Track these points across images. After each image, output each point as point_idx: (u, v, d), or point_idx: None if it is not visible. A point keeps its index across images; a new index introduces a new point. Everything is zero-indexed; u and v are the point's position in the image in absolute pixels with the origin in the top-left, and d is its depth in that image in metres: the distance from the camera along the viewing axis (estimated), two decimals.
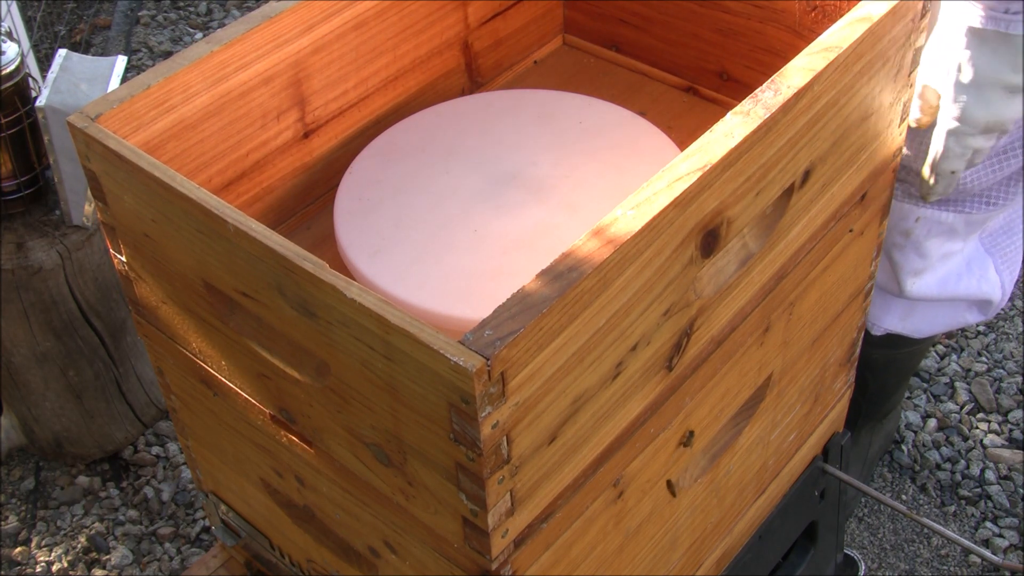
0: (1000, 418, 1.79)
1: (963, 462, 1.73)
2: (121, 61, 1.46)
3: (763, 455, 1.12)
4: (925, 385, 1.84)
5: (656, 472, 0.93)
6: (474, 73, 1.24)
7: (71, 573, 1.63)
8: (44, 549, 1.67)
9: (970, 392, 1.83)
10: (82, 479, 1.74)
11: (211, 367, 0.94)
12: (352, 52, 1.09)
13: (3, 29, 1.48)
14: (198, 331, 0.92)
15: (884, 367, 1.57)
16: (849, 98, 0.91)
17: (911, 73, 1.00)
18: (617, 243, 0.73)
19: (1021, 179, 1.30)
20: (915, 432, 1.77)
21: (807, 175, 0.92)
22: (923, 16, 0.97)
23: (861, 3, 0.91)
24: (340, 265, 1.02)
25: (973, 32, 1.08)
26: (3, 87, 1.41)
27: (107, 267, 1.57)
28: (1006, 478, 1.71)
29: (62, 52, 1.44)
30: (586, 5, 1.28)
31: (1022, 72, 1.09)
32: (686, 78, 1.25)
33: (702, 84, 1.24)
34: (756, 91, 0.84)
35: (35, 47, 2.41)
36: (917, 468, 1.73)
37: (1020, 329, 1.93)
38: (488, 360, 0.67)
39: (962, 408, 1.80)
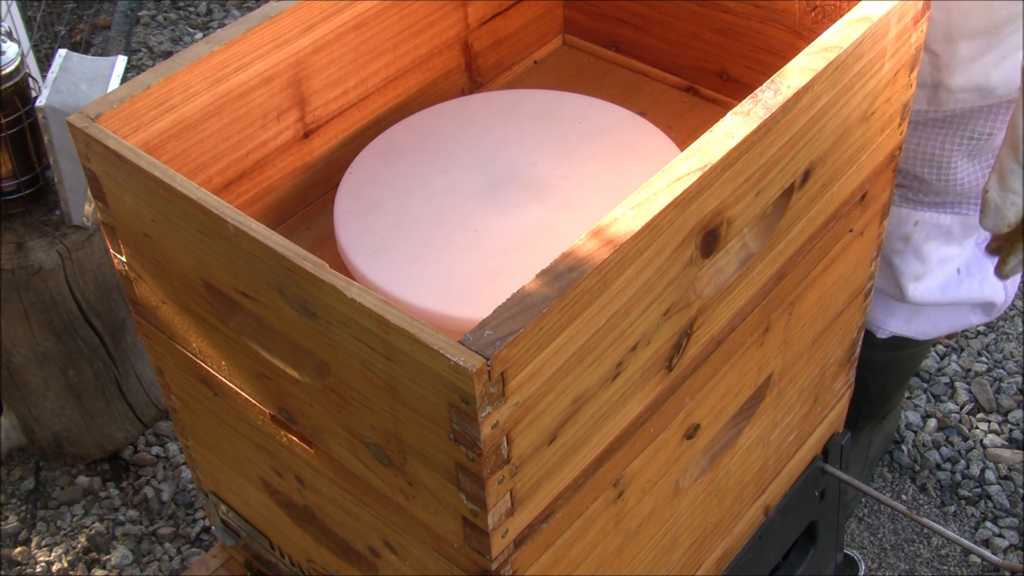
0: (1000, 418, 1.79)
1: (963, 462, 1.73)
2: (121, 61, 1.46)
3: (763, 455, 1.12)
4: (925, 385, 1.84)
5: (656, 472, 0.93)
6: (474, 73, 1.24)
7: (71, 573, 1.63)
8: (44, 549, 1.67)
9: (970, 392, 1.83)
10: (82, 479, 1.74)
11: (211, 367, 0.94)
12: (352, 52, 1.09)
13: (3, 29, 1.48)
14: (198, 331, 0.92)
15: (885, 368, 1.57)
16: (849, 98, 0.91)
17: (911, 73, 1.00)
18: (617, 243, 0.73)
19: None
20: (915, 432, 1.77)
21: (807, 175, 0.92)
22: (923, 16, 0.97)
23: (861, 3, 0.91)
24: (340, 265, 1.02)
25: None
26: (3, 87, 1.41)
27: (107, 267, 1.57)
28: (1006, 478, 1.71)
29: (62, 52, 1.44)
30: (586, 5, 1.28)
31: None
32: (686, 78, 1.25)
33: (702, 84, 1.24)
34: (756, 91, 0.84)
35: (35, 47, 2.41)
36: (917, 468, 1.73)
37: (1020, 329, 1.93)
38: (488, 360, 0.67)
39: (962, 408, 1.80)
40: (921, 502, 1.70)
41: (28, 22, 2.42)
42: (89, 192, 1.36)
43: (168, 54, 2.58)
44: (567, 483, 0.82)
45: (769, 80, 0.85)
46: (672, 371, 0.87)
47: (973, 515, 1.67)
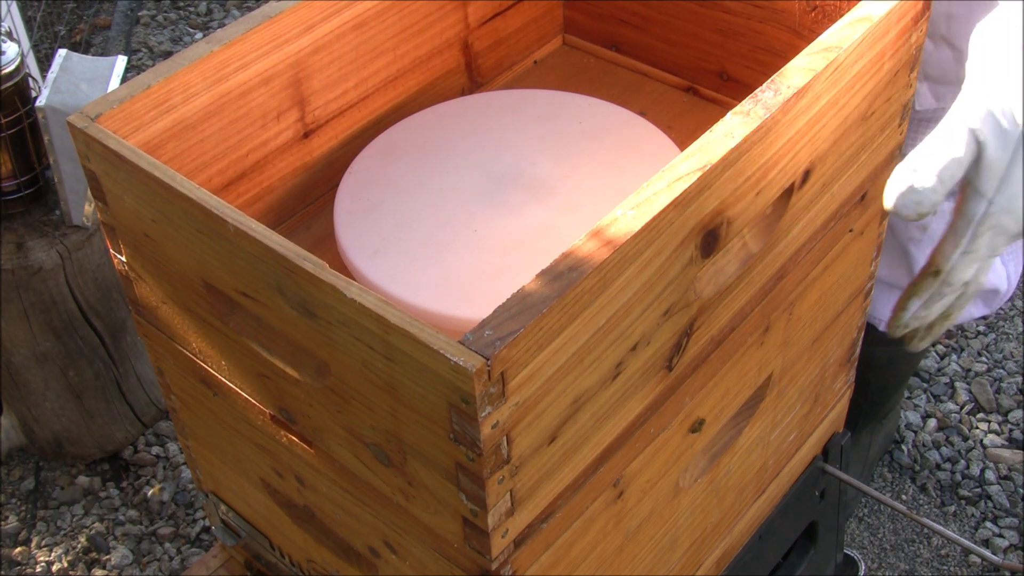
0: (1000, 418, 1.79)
1: (963, 462, 1.73)
2: (121, 61, 1.46)
3: (763, 455, 1.12)
4: (925, 385, 1.84)
5: (656, 472, 0.93)
6: (474, 73, 1.24)
7: (71, 573, 1.63)
8: (44, 549, 1.67)
9: (970, 392, 1.83)
10: (82, 479, 1.74)
11: (211, 367, 0.94)
12: (352, 52, 1.09)
13: (3, 29, 1.48)
14: (198, 331, 0.92)
15: (887, 365, 1.57)
16: (849, 98, 0.91)
17: (911, 73, 1.00)
18: (617, 243, 0.73)
19: None
20: (915, 432, 1.77)
21: (807, 175, 0.92)
22: (923, 16, 0.97)
23: (861, 3, 0.91)
24: (340, 265, 1.02)
25: None
26: (3, 87, 1.41)
27: (107, 267, 1.57)
28: (1006, 478, 1.71)
29: (62, 52, 1.44)
30: (586, 5, 1.28)
31: None
32: (686, 78, 1.25)
33: (702, 84, 1.24)
34: (756, 91, 0.84)
35: (35, 47, 2.41)
36: (917, 468, 1.73)
37: (1020, 329, 1.93)
38: (488, 360, 0.67)
39: (962, 408, 1.80)
40: (921, 502, 1.70)
41: (28, 22, 2.42)
42: (89, 192, 1.36)
43: (168, 54, 2.58)
44: (567, 483, 0.82)
45: (769, 80, 0.85)
46: (672, 371, 0.87)
47: (973, 515, 1.67)
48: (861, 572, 1.49)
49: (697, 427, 0.95)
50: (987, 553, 1.20)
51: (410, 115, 1.16)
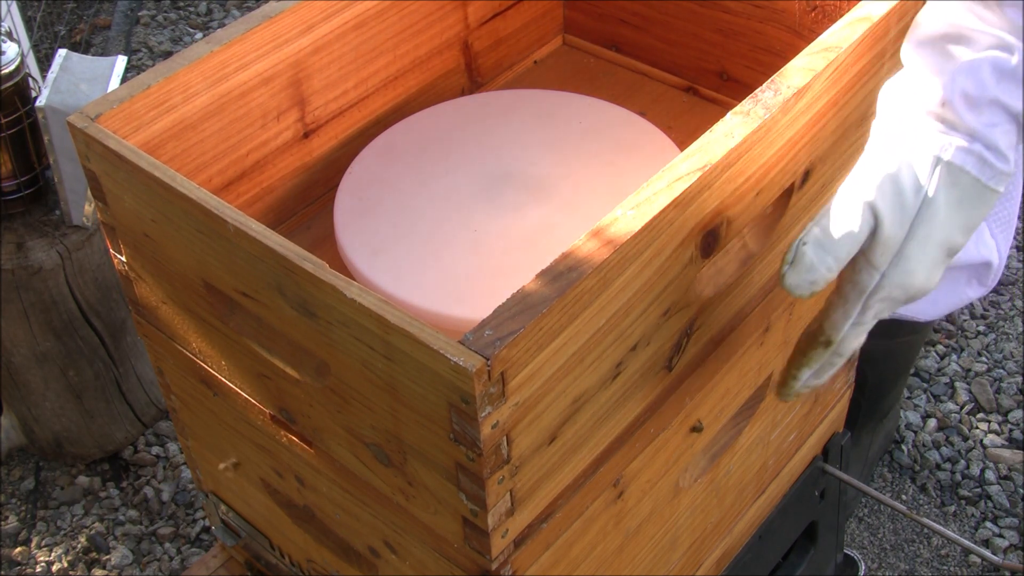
0: (1000, 418, 1.79)
1: (963, 462, 1.73)
2: (121, 61, 1.46)
3: (763, 455, 1.12)
4: (925, 385, 1.84)
5: (656, 472, 0.93)
6: (474, 73, 1.24)
7: (71, 573, 1.63)
8: (44, 549, 1.67)
9: (970, 392, 1.83)
10: (82, 479, 1.74)
11: (211, 367, 0.94)
12: (352, 52, 1.09)
13: (3, 29, 1.48)
14: (198, 331, 0.92)
15: (882, 360, 1.57)
16: (849, 98, 0.91)
17: None
18: (617, 243, 0.73)
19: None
20: (915, 432, 1.77)
21: (807, 175, 0.92)
22: None
23: (861, 3, 0.91)
24: (340, 265, 1.02)
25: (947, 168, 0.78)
26: (3, 87, 1.41)
27: (107, 267, 1.57)
28: (1006, 478, 1.71)
29: (62, 52, 1.44)
30: (586, 5, 1.28)
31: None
32: (686, 78, 1.25)
33: (702, 84, 1.24)
34: (756, 91, 0.84)
35: (35, 47, 2.41)
36: (917, 468, 1.73)
37: (1020, 329, 1.93)
38: (488, 360, 0.67)
39: (962, 408, 1.80)
40: (921, 502, 1.70)
41: (28, 22, 2.42)
42: (89, 192, 1.36)
43: (168, 54, 2.58)
44: (567, 483, 0.82)
45: (769, 80, 0.85)
46: (672, 371, 0.87)
47: (973, 515, 1.67)
48: (861, 572, 1.49)
49: (699, 427, 0.95)
50: (987, 553, 1.20)
51: (410, 115, 1.16)
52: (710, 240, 0.84)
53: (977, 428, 1.78)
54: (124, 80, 1.37)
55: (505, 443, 0.72)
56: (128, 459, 1.77)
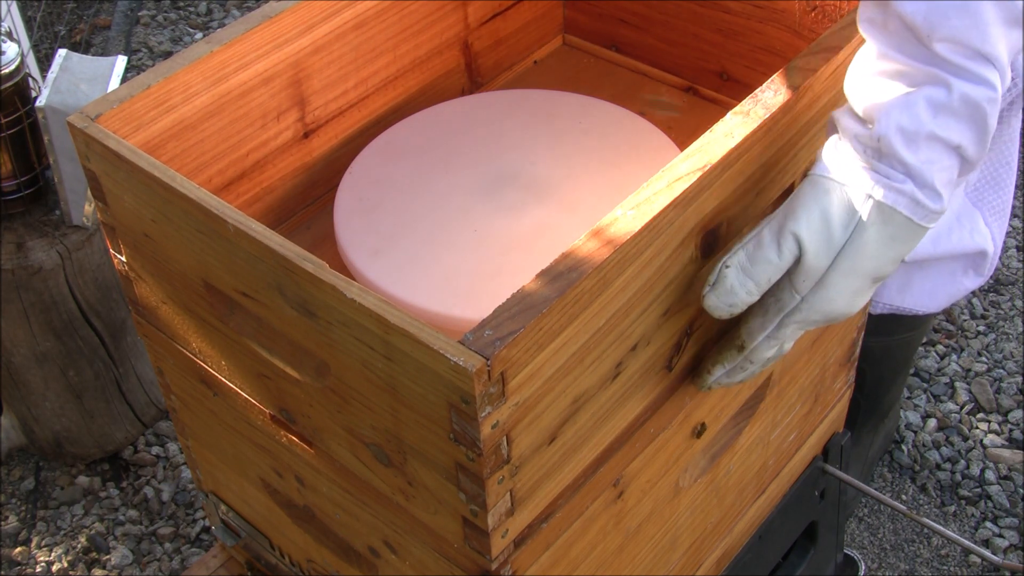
0: (1000, 418, 1.79)
1: (963, 462, 1.73)
2: (121, 61, 1.46)
3: (763, 455, 1.12)
4: (925, 385, 1.84)
5: (656, 472, 0.93)
6: (474, 73, 1.24)
7: (71, 573, 1.63)
8: (44, 549, 1.67)
9: (970, 392, 1.83)
10: (82, 479, 1.74)
11: (211, 367, 0.94)
12: (352, 52, 1.09)
13: (3, 29, 1.48)
14: (198, 331, 0.92)
15: (881, 357, 1.57)
16: None
17: None
18: (617, 243, 0.73)
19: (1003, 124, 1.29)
20: (915, 432, 1.77)
21: (807, 175, 0.92)
22: None
23: None
24: (340, 265, 1.02)
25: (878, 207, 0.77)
26: (3, 87, 1.41)
27: (107, 267, 1.57)
28: (1006, 478, 1.71)
29: (62, 52, 1.44)
30: (586, 5, 1.28)
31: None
32: (686, 78, 1.25)
33: (702, 84, 1.24)
34: (756, 91, 0.84)
35: (35, 47, 2.41)
36: (917, 468, 1.73)
37: (1020, 329, 1.93)
38: (488, 360, 0.67)
39: (962, 408, 1.80)
40: (921, 502, 1.70)
41: (28, 22, 2.42)
42: (89, 192, 1.36)
43: (168, 54, 2.58)
44: (567, 483, 0.82)
45: (769, 80, 0.85)
46: (672, 371, 0.87)
47: (973, 515, 1.67)
48: (861, 572, 1.49)
49: (700, 431, 0.96)
50: (987, 553, 1.20)
51: (410, 115, 1.16)
52: (710, 240, 0.84)
53: (977, 428, 1.78)
54: (124, 80, 1.37)
55: (505, 443, 0.72)
56: (128, 459, 1.77)
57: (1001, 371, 1.86)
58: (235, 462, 1.05)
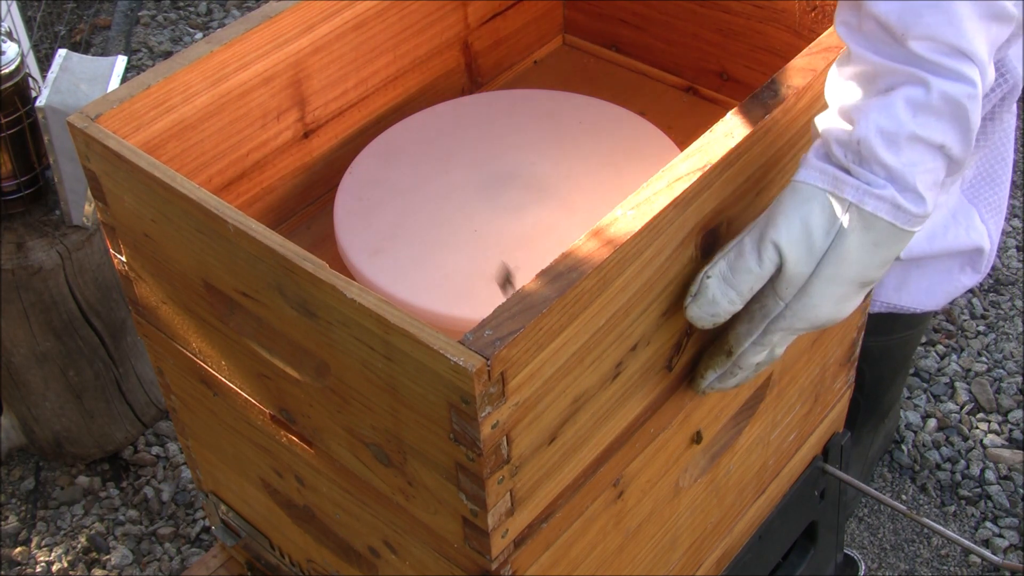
0: (1000, 418, 1.79)
1: (963, 462, 1.73)
2: (121, 61, 1.46)
3: (763, 455, 1.12)
4: (925, 385, 1.84)
5: (656, 472, 0.93)
6: (474, 73, 1.24)
7: (71, 573, 1.63)
8: (44, 549, 1.67)
9: (970, 392, 1.83)
10: (82, 479, 1.74)
11: (211, 367, 0.94)
12: (352, 52, 1.09)
13: (3, 29, 1.48)
14: (198, 331, 0.92)
15: (880, 357, 1.57)
16: None
17: None
18: (617, 243, 0.73)
19: (997, 120, 1.29)
20: (915, 432, 1.77)
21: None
22: None
23: None
24: (340, 265, 1.02)
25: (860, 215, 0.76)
26: (3, 87, 1.41)
27: (107, 267, 1.57)
28: (1006, 478, 1.71)
29: (62, 52, 1.44)
30: (586, 5, 1.28)
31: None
32: (686, 78, 1.25)
33: (702, 84, 1.24)
34: (756, 91, 0.84)
35: (35, 47, 2.41)
36: (917, 468, 1.73)
37: (1020, 329, 1.93)
38: (488, 360, 0.67)
39: (962, 408, 1.80)
40: (921, 502, 1.70)
41: (28, 22, 2.42)
42: (89, 192, 1.36)
43: (168, 54, 2.58)
44: (567, 483, 0.82)
45: (769, 80, 0.85)
46: (672, 371, 0.87)
47: (973, 515, 1.67)
48: (861, 572, 1.49)
49: (698, 439, 0.96)
50: (987, 553, 1.20)
51: (410, 115, 1.16)
52: (710, 240, 0.84)
53: (977, 428, 1.78)
54: (124, 80, 1.37)
55: (505, 443, 0.72)
56: (128, 459, 1.77)
57: (1001, 371, 1.86)
58: (235, 462, 1.05)
